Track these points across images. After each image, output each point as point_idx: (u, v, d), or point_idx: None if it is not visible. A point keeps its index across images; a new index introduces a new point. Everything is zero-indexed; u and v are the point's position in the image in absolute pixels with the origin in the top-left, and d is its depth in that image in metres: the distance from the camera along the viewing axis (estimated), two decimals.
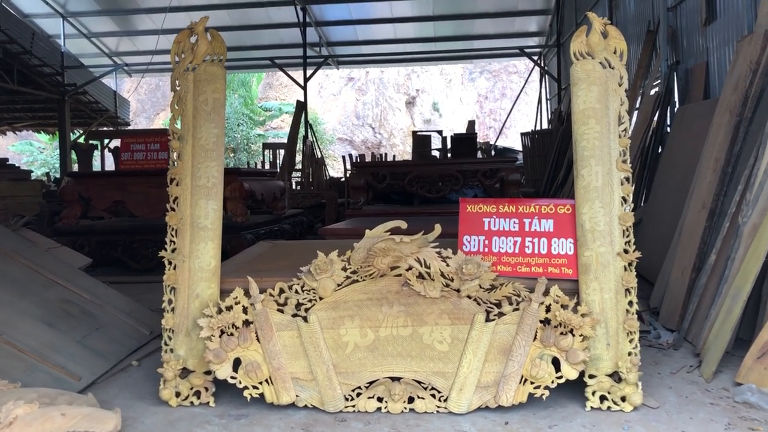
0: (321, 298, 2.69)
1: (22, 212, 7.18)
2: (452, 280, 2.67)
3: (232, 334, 2.67)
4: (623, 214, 2.69)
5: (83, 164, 9.33)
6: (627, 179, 2.71)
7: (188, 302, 2.74)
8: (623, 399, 2.62)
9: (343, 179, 11.29)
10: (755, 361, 2.82)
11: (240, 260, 3.28)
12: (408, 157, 17.89)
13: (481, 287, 2.65)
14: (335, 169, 18.95)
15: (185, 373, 2.74)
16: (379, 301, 2.68)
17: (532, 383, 2.61)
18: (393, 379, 2.67)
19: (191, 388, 2.73)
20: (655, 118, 6.11)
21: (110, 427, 2.37)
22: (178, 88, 2.84)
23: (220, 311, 2.68)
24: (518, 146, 14.23)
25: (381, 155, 15.00)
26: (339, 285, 2.70)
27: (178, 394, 2.72)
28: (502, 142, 17.82)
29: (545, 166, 10.14)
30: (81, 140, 12.50)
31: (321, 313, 2.67)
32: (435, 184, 6.67)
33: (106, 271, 6.14)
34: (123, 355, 3.35)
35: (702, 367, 3.06)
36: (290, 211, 7.94)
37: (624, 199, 2.70)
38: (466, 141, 11.21)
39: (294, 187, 11.82)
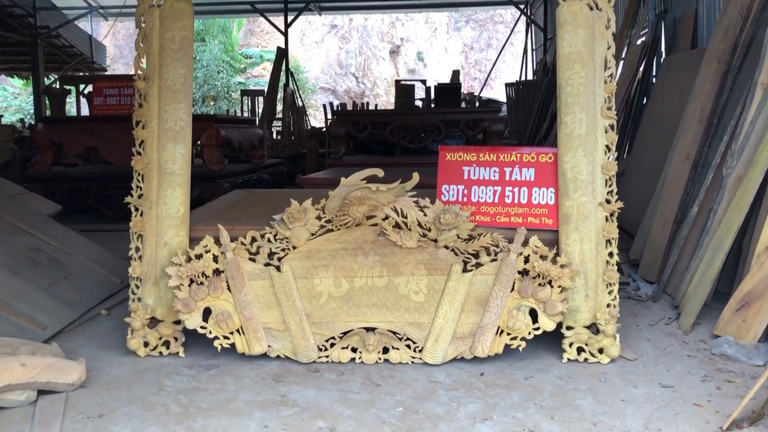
0: (294, 248, 2.60)
1: None
2: (429, 230, 2.59)
3: (201, 284, 2.59)
4: (606, 163, 2.61)
5: (56, 110, 9.04)
6: (611, 127, 2.62)
7: (156, 250, 2.64)
8: (601, 351, 2.59)
9: (325, 129, 11.12)
10: (733, 313, 2.80)
11: (212, 208, 3.17)
12: (392, 107, 17.67)
13: (459, 237, 2.58)
14: (317, 119, 18.69)
15: (154, 322, 2.67)
16: (354, 251, 2.60)
17: (508, 334, 2.57)
18: (368, 329, 2.62)
19: (160, 338, 2.66)
20: (641, 69, 6.00)
21: (74, 378, 2.30)
22: (143, 25, 2.69)
23: (189, 260, 2.59)
24: (503, 98, 14.08)
25: (363, 104, 14.76)
26: (313, 234, 2.61)
27: (146, 344, 2.65)
28: (487, 94, 17.61)
29: (529, 118, 10.03)
30: (56, 85, 12.14)
31: (294, 263, 2.59)
32: (417, 135, 6.55)
33: (79, 219, 6.01)
34: (92, 304, 3.27)
35: (680, 320, 3.04)
36: (270, 161, 7.80)
37: (608, 148, 2.62)
38: (450, 91, 11.02)
39: (274, 136, 11.63)
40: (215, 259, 2.61)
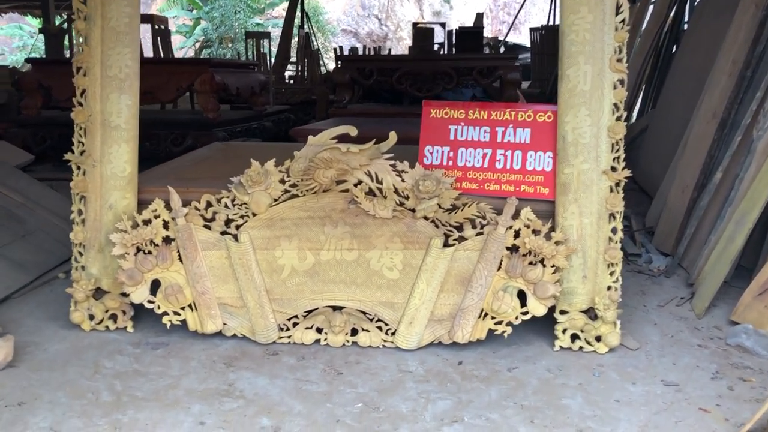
0: (254, 215, 2.30)
1: None
2: (407, 198, 2.27)
3: (149, 252, 2.31)
4: (614, 124, 2.24)
5: (52, 50, 8.71)
6: (621, 82, 2.25)
7: (100, 214, 2.36)
8: (598, 339, 2.28)
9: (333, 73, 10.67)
10: (755, 298, 2.46)
11: (174, 165, 2.87)
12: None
13: (440, 207, 2.26)
14: (334, 62, 18.15)
15: (100, 293, 2.41)
16: (321, 220, 2.29)
17: (493, 318, 2.27)
18: (334, 308, 2.33)
19: (106, 311, 2.40)
20: (672, 14, 5.49)
21: None
22: None
23: (136, 226, 2.31)
24: (529, 43, 13.42)
25: (376, 49, 14.19)
26: (275, 200, 2.31)
27: (92, 317, 2.40)
28: (513, 39, 16.91)
29: (553, 65, 9.50)
30: (65, 25, 11.78)
31: (254, 232, 2.30)
32: (426, 82, 6.13)
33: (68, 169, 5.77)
34: (50, 266, 3.02)
35: (694, 301, 2.70)
36: (275, 108, 7.44)
37: (616, 107, 2.25)
38: (471, 36, 10.46)
39: (288, 81, 11.21)
40: (165, 225, 2.32)
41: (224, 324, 2.32)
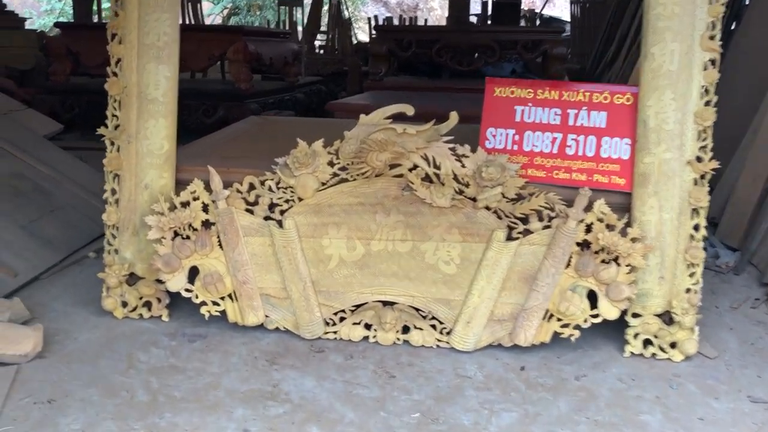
0: (300, 199, 2.12)
1: (14, 65, 6.60)
2: (467, 185, 2.07)
3: (188, 237, 2.14)
4: (702, 109, 2.02)
5: (81, 14, 8.54)
6: (713, 62, 2.01)
7: (135, 194, 2.19)
8: (673, 345, 2.08)
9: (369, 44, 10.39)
10: None
11: (210, 142, 2.69)
12: (445, 23, 16.65)
13: (504, 197, 2.05)
14: (366, 32, 17.79)
15: (134, 279, 2.25)
16: (372, 208, 2.10)
17: (559, 320, 2.07)
18: (385, 303, 2.15)
19: (140, 298, 2.24)
20: None
21: (27, 349, 1.92)
22: None
23: (173, 208, 2.14)
24: (566, 16, 12.98)
25: (411, 19, 13.82)
26: (324, 184, 2.12)
27: (125, 304, 2.24)
28: (549, 11, 16.40)
29: (594, 40, 9.13)
30: None
31: (299, 218, 2.12)
32: (468, 55, 5.87)
33: (97, 137, 5.63)
34: (80, 245, 2.87)
35: None
36: (307, 79, 7.23)
37: (705, 90, 2.02)
38: (508, 7, 10.09)
39: (317, 51, 10.95)
40: (205, 208, 2.14)
41: (266, 316, 2.16)
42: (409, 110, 2.10)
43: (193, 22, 9.33)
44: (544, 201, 2.05)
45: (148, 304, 2.24)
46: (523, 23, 11.56)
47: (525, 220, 2.07)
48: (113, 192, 2.21)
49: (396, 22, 12.18)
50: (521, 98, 2.18)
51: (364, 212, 2.11)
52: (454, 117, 2.07)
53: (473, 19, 11.79)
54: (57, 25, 6.30)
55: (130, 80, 2.15)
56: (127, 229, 2.20)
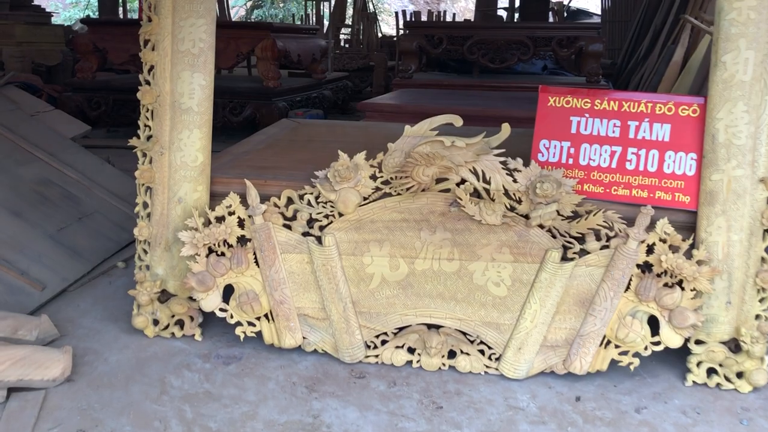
0: (341, 215, 2.00)
1: (41, 61, 6.56)
2: (520, 201, 1.94)
3: (222, 254, 2.04)
4: None
5: (106, 8, 8.49)
6: None
7: (168, 208, 2.09)
8: (740, 375, 1.94)
9: (396, 38, 10.23)
10: None
11: (245, 149, 2.58)
12: (470, 17, 16.43)
13: (559, 214, 1.92)
14: (389, 26, 17.61)
15: (165, 295, 2.15)
16: (417, 224, 1.98)
17: (617, 347, 1.94)
18: (429, 326, 2.03)
19: (172, 316, 2.14)
20: None
21: (55, 373, 1.82)
22: None
23: (208, 223, 2.03)
24: (593, 8, 12.72)
25: (439, 14, 13.62)
26: (365, 199, 2.00)
27: (156, 322, 2.15)
28: (576, 3, 16.10)
29: (626, 34, 8.90)
30: None
31: (340, 235, 2.00)
32: (500, 52, 5.70)
33: (126, 134, 5.57)
34: (109, 253, 2.78)
35: None
36: (333, 75, 7.11)
37: None
38: (537, 1, 9.91)
39: (342, 45, 10.83)
40: (241, 223, 2.04)
41: (304, 338, 2.05)
42: (458, 121, 1.97)
43: (219, 17, 9.25)
44: (603, 219, 1.91)
45: (180, 323, 2.15)
46: (551, 17, 11.35)
47: (581, 239, 1.94)
48: (145, 205, 2.11)
49: (424, 16, 12.01)
50: (577, 109, 2.04)
51: (408, 229, 1.99)
52: (506, 129, 1.94)
53: (501, 13, 11.60)
54: (83, 21, 6.23)
55: (164, 89, 2.04)
56: (159, 244, 2.10)
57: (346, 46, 10.71)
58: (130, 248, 2.86)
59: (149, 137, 2.07)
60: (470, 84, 5.61)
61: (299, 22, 11.64)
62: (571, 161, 2.03)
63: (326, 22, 10.85)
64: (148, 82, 2.07)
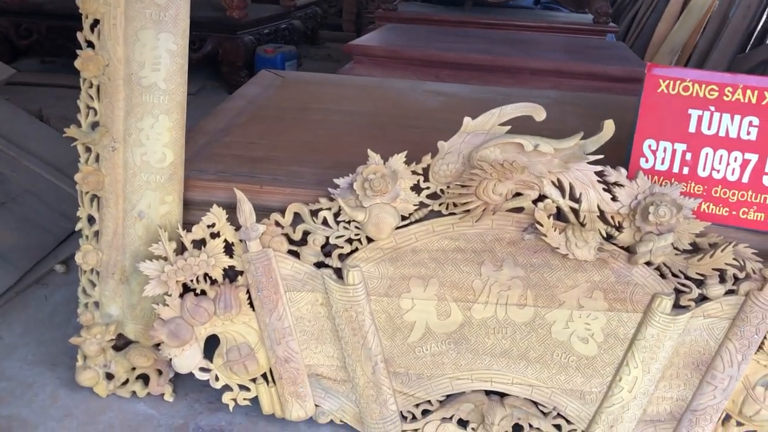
0: (370, 240, 1.43)
1: None
2: (620, 228, 1.40)
3: (203, 293, 1.45)
4: None
5: None
6: None
7: (124, 225, 1.48)
8: None
9: None
10: None
11: (224, 123, 1.93)
12: None
13: (674, 249, 1.39)
14: None
15: (122, 339, 1.57)
16: (477, 257, 1.43)
17: (740, 425, 1.46)
18: (489, 393, 1.52)
19: (133, 369, 1.57)
20: None
21: None
22: None
23: (182, 250, 1.44)
24: None
25: None
26: (404, 218, 1.43)
27: (110, 375, 1.57)
28: None
29: None
30: None
31: (369, 267, 1.43)
32: None
33: (60, 68, 4.77)
34: (45, 251, 2.15)
35: None
36: (301, 1, 6.29)
37: None
38: None
39: None
40: (229, 249, 1.45)
41: (317, 406, 1.51)
42: (540, 113, 1.39)
43: None
44: (734, 256, 1.39)
45: (144, 378, 1.57)
46: None
47: (700, 281, 1.42)
48: (90, 221, 1.49)
49: None
50: (700, 98, 1.47)
51: (463, 262, 1.43)
52: (609, 127, 1.37)
53: None
54: None
55: (114, 55, 1.39)
56: (113, 274, 1.50)
57: None
58: (71, 241, 2.23)
59: (94, 125, 1.43)
60: (464, 20, 4.94)
61: None
62: (686, 171, 1.48)
63: None
64: (90, 44, 1.41)
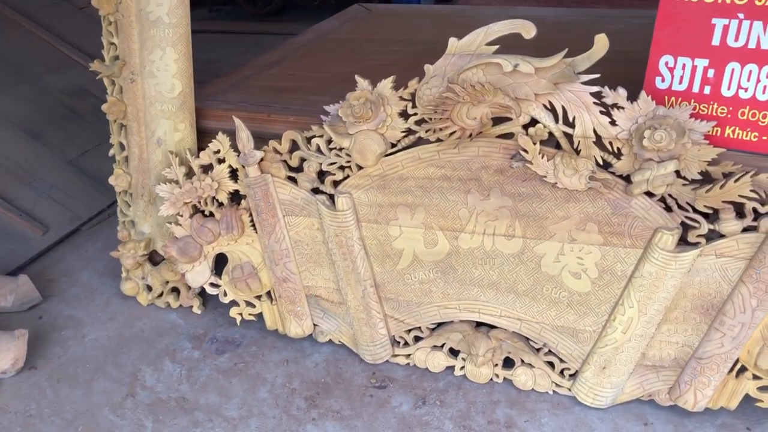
0: (359, 168, 1.44)
1: None
2: (619, 155, 1.27)
3: (211, 215, 1.56)
4: None
5: None
6: None
7: (147, 150, 1.62)
8: None
9: None
10: None
11: (281, 55, 2.00)
12: None
13: (680, 177, 1.24)
14: None
15: (158, 256, 1.74)
16: (463, 185, 1.38)
17: (756, 378, 1.29)
18: (479, 325, 1.48)
19: (167, 282, 1.74)
20: None
21: (4, 365, 1.49)
22: None
23: (191, 174, 1.55)
24: None
25: None
26: (393, 145, 1.41)
27: (149, 288, 1.76)
28: None
29: None
30: None
31: (359, 194, 1.45)
32: None
33: (224, 17, 5.13)
34: None
35: None
36: None
37: None
38: None
39: None
40: (234, 174, 1.54)
41: (315, 326, 1.57)
42: (530, 30, 1.28)
43: None
44: (751, 187, 1.21)
45: (175, 290, 1.74)
46: None
47: (712, 216, 1.25)
48: (121, 147, 1.65)
49: None
50: (726, 5, 1.26)
51: (450, 191, 1.39)
52: (602, 41, 1.23)
53: None
54: None
55: None
56: (142, 196, 1.66)
57: None
58: None
59: (115, 59, 1.57)
60: None
61: None
62: (708, 90, 1.29)
63: None
64: None
